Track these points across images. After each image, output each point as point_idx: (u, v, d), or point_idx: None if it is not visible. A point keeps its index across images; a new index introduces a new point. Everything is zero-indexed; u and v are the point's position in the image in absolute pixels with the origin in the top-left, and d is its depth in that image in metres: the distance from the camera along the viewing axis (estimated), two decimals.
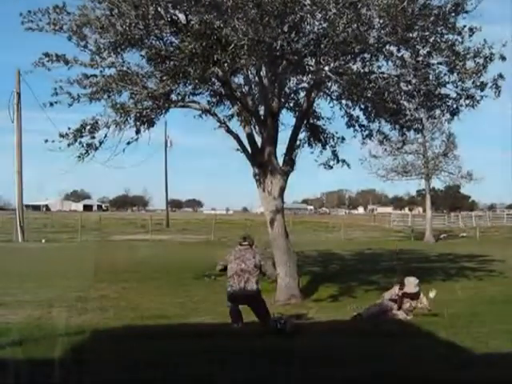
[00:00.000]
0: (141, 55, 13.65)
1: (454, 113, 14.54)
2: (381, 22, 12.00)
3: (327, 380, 5.95)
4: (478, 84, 13.27)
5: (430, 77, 13.44)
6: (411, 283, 10.89)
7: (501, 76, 13.12)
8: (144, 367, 6.33)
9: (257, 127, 15.47)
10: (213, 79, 14.23)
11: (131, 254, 28.74)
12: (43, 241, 36.85)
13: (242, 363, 6.55)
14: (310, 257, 25.87)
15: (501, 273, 19.50)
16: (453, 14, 12.66)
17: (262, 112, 15.41)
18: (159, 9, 12.24)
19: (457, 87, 13.77)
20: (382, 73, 13.69)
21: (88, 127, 13.97)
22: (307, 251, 27.08)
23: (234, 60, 11.89)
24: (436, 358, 7.02)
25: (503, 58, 12.74)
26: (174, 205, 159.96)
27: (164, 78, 12.95)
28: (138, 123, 14.20)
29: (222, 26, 11.55)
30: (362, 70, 13.51)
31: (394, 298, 10.94)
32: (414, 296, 10.85)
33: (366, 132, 16.10)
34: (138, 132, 14.40)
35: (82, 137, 13.99)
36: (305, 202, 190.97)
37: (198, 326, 10.25)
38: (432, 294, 11.00)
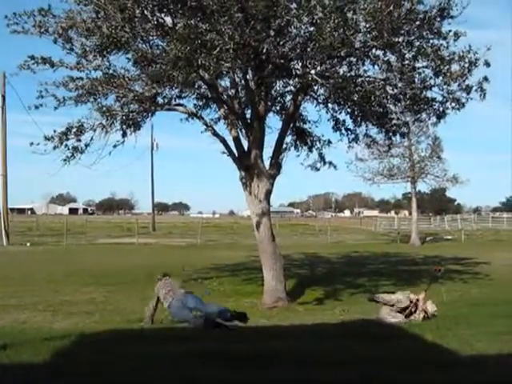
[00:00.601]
0: (127, 58, 13.59)
1: (440, 116, 14.61)
2: (367, 26, 12.05)
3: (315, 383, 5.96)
4: (464, 87, 13.37)
5: (416, 80, 13.48)
6: (433, 307, 10.91)
7: (486, 79, 13.21)
8: (130, 371, 6.30)
9: (243, 130, 15.46)
10: (199, 82, 14.22)
11: (117, 257, 28.63)
12: (28, 244, 36.60)
13: (227, 366, 6.54)
14: (296, 260, 25.91)
15: (486, 275, 19.65)
16: (438, 19, 12.72)
17: (248, 115, 15.41)
18: (145, 12, 12.19)
19: (442, 90, 13.85)
20: (368, 76, 13.75)
21: (74, 130, 13.88)
22: (294, 254, 27.12)
23: (218, 64, 11.87)
24: (422, 359, 7.04)
25: (488, 65, 12.83)
26: (161, 208, 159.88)
27: (149, 82, 12.92)
28: (124, 126, 14.14)
29: (207, 29, 11.53)
30: (348, 74, 13.57)
31: (414, 301, 10.86)
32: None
33: (353, 136, 16.15)
34: (124, 135, 14.34)
35: (67, 140, 13.88)
36: (291, 205, 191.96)
37: (185, 330, 10.20)
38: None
